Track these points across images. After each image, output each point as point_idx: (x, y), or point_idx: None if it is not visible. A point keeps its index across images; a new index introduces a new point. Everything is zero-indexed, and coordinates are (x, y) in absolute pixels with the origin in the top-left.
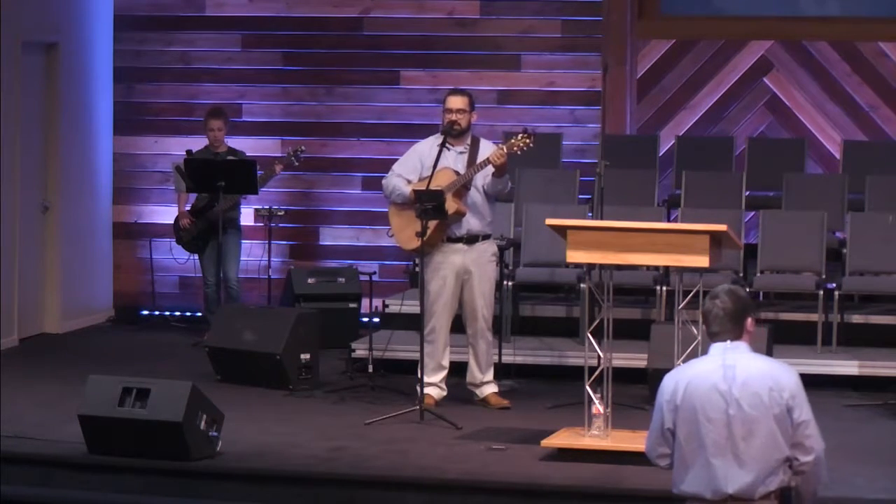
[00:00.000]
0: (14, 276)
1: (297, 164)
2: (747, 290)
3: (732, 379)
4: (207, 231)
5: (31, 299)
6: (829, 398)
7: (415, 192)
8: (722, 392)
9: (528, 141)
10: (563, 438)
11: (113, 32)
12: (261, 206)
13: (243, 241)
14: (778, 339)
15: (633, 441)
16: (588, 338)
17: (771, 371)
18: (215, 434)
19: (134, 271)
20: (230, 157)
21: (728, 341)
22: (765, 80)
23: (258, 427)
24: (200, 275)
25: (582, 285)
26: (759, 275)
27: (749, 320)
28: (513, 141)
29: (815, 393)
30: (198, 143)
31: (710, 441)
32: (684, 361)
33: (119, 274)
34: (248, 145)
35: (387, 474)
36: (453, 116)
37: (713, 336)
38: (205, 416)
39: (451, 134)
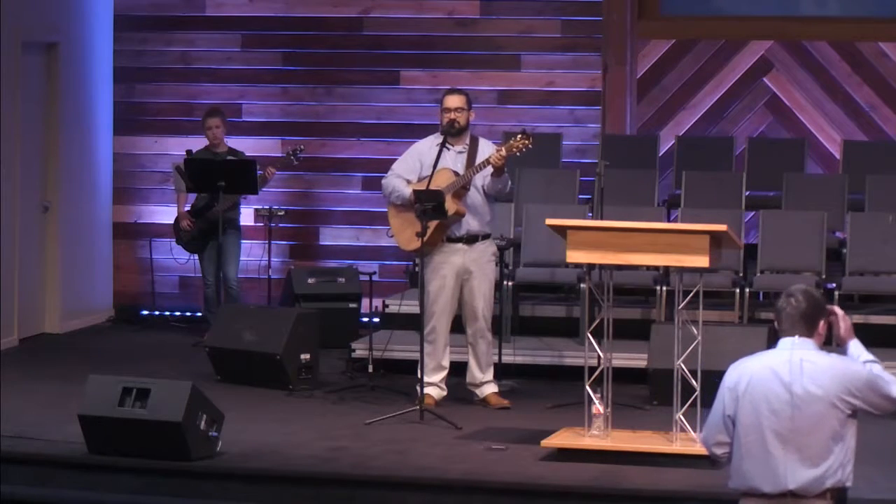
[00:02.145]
0: (14, 276)
1: (296, 163)
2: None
3: (799, 374)
4: (207, 231)
5: (31, 299)
6: None
7: (414, 192)
8: (787, 385)
9: (526, 142)
10: (563, 438)
11: (113, 32)
12: (261, 206)
13: (243, 241)
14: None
15: (633, 441)
16: (588, 338)
17: (837, 368)
18: (215, 434)
19: (134, 271)
20: (230, 157)
21: (796, 336)
22: (765, 80)
23: (258, 427)
24: (200, 275)
25: (582, 285)
26: (759, 275)
27: (822, 323)
28: (512, 142)
29: None
30: (198, 143)
31: (771, 434)
32: (684, 362)
33: (119, 274)
34: (248, 145)
35: (387, 474)
36: (452, 115)
37: (782, 334)
38: (205, 416)
39: (451, 133)
